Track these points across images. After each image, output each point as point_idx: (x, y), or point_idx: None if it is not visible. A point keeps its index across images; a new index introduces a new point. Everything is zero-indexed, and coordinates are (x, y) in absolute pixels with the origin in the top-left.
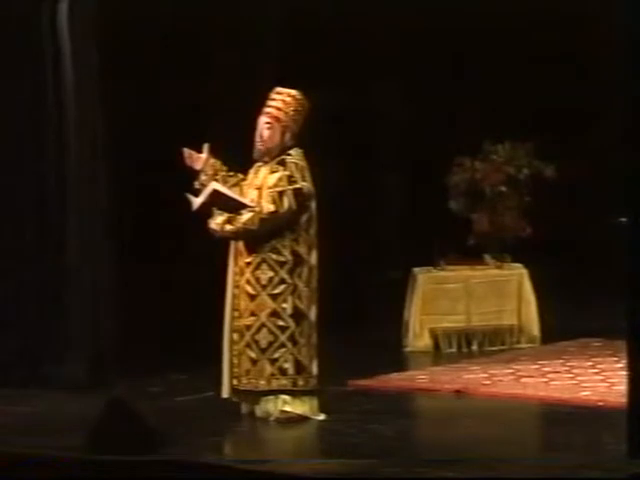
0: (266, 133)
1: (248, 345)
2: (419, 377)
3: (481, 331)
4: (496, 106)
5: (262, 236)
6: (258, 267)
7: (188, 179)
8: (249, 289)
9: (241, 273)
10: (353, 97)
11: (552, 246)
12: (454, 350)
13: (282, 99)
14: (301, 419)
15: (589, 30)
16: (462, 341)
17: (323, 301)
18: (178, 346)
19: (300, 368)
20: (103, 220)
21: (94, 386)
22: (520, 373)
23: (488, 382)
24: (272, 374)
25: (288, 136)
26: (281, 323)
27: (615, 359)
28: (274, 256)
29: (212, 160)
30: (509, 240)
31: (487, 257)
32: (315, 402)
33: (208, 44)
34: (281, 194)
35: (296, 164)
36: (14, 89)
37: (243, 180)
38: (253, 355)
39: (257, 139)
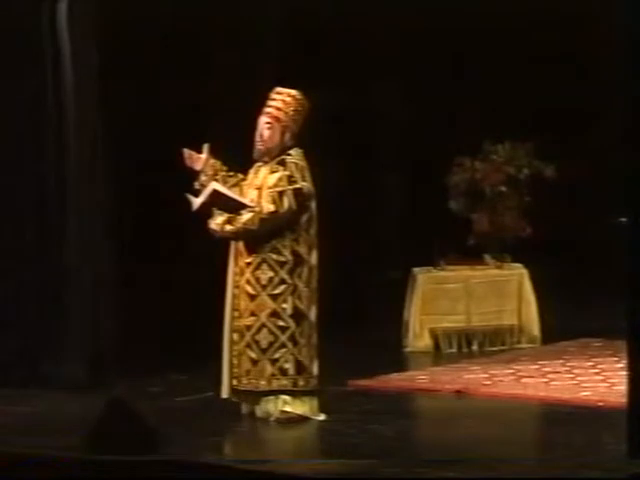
0: (266, 133)
1: (248, 345)
2: (419, 377)
3: (481, 331)
4: (496, 106)
5: (262, 236)
6: (258, 267)
7: (188, 179)
8: (249, 289)
9: (241, 273)
10: (353, 97)
11: (552, 246)
12: (454, 350)
13: (282, 99)
14: (301, 419)
15: (589, 30)
16: (462, 341)
17: (323, 301)
18: (178, 346)
19: (300, 368)
20: (103, 220)
21: (94, 386)
22: (520, 373)
23: (488, 382)
24: (272, 374)
25: (288, 136)
26: (281, 323)
27: (615, 359)
28: (274, 256)
29: (212, 160)
30: (509, 240)
31: (487, 257)
32: (315, 402)
33: (208, 44)
34: (281, 194)
35: (296, 164)
36: (14, 89)
37: (243, 180)
38: (253, 355)
39: (257, 139)
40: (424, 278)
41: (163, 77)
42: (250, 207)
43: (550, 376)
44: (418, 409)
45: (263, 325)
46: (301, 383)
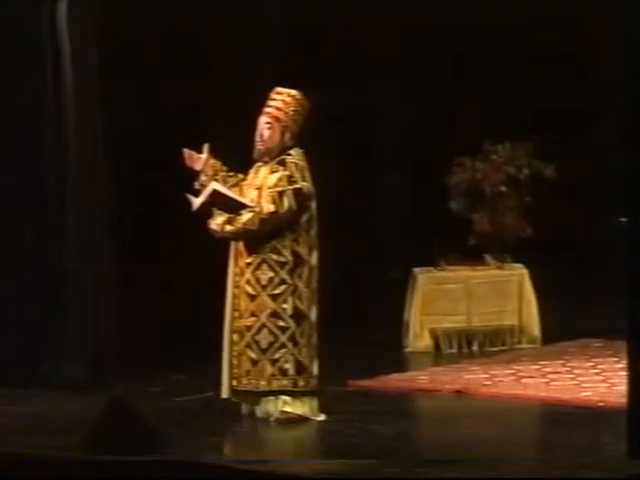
0: (266, 133)
1: (248, 346)
2: (419, 377)
3: (482, 331)
4: (496, 106)
5: (262, 236)
6: (258, 267)
7: (188, 179)
8: (249, 289)
9: (241, 273)
10: (353, 97)
11: (552, 246)
12: (454, 350)
13: (282, 99)
14: (301, 419)
15: (589, 30)
16: (462, 341)
17: (323, 301)
18: (178, 346)
19: (301, 369)
20: (103, 220)
21: (94, 386)
22: (521, 373)
23: (489, 382)
24: (273, 375)
25: (288, 136)
26: (281, 323)
27: (615, 359)
28: (274, 256)
29: (212, 160)
30: (509, 240)
31: (487, 257)
32: (315, 402)
33: (208, 44)
34: (281, 194)
35: (296, 164)
36: (14, 89)
37: (243, 180)
38: (253, 356)
39: (257, 139)
40: (424, 278)
41: (163, 77)
42: (250, 207)
43: (550, 376)
44: (418, 409)
45: (263, 325)
46: (301, 383)
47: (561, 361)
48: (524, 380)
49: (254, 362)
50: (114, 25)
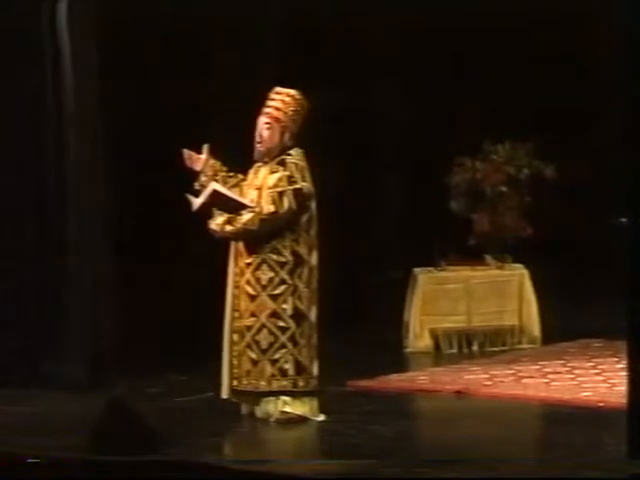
0: (265, 133)
1: (248, 346)
2: (419, 378)
3: (482, 332)
4: (496, 106)
5: (262, 236)
6: (258, 268)
7: (188, 179)
8: (249, 290)
9: (241, 274)
10: (353, 97)
11: (552, 246)
12: (455, 351)
13: (281, 99)
14: (301, 420)
15: (589, 30)
16: (463, 342)
17: (323, 301)
18: (178, 346)
19: (300, 369)
20: (103, 220)
21: (94, 386)
22: (521, 374)
23: (489, 383)
24: (272, 375)
25: (287, 136)
26: (281, 324)
27: (616, 359)
28: (274, 257)
29: (212, 161)
30: (510, 240)
31: (488, 257)
32: (315, 403)
33: (208, 44)
34: (281, 194)
35: (296, 164)
36: (14, 89)
37: (243, 180)
38: (253, 356)
39: (257, 139)
40: (425, 278)
41: (163, 77)
42: (250, 207)
43: (551, 376)
44: (418, 409)
45: (263, 325)
46: (301, 384)
47: (561, 361)
48: (524, 380)
49: (254, 362)
50: (114, 25)
